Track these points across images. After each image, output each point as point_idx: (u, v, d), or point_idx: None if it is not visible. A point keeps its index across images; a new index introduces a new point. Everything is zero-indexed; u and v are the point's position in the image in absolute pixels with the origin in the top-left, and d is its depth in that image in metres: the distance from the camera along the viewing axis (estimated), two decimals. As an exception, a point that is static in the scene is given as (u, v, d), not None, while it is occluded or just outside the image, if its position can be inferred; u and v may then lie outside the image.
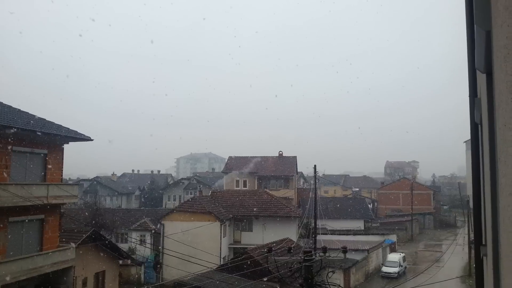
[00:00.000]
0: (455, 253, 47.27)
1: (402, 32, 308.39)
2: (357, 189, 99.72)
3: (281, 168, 60.33)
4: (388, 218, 74.18)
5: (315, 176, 39.70)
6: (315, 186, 39.81)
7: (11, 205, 19.77)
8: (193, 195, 57.74)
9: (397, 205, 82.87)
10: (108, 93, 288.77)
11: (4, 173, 20.70)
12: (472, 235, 38.04)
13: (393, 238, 54.08)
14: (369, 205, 69.75)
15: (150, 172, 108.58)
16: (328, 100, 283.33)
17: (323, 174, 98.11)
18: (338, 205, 62.37)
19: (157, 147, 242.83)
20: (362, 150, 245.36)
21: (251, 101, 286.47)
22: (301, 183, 74.78)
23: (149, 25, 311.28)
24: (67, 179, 69.91)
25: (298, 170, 65.91)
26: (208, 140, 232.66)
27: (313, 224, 37.23)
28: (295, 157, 63.18)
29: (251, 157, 62.22)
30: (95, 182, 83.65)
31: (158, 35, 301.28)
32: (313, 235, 36.06)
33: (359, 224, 58.48)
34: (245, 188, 56.33)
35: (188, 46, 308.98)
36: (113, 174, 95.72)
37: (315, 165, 39.13)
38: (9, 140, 20.74)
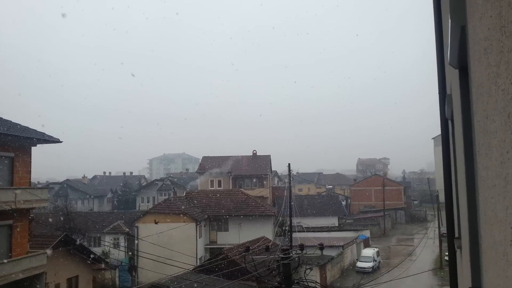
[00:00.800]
0: (426, 247, 48.52)
1: (378, 34, 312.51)
2: (331, 186, 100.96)
3: (255, 167, 60.43)
4: (361, 214, 75.48)
5: (289, 175, 39.86)
6: (290, 184, 40.01)
7: (-24, 211, 19.02)
8: (167, 197, 57.08)
9: (370, 201, 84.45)
10: (76, 91, 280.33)
11: (-32, 178, 19.89)
12: (442, 229, 39.17)
13: (367, 233, 55.11)
14: (343, 202, 70.75)
15: (122, 174, 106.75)
16: (302, 101, 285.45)
17: (297, 173, 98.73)
18: (312, 203, 62.99)
19: (129, 148, 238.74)
20: (335, 148, 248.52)
21: (224, 101, 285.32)
22: (276, 181, 75.07)
23: (121, 17, 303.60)
24: (36, 182, 67.71)
25: (272, 169, 66.21)
26: (181, 140, 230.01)
27: (288, 222, 37.46)
28: (269, 156, 63.40)
29: (225, 157, 62.03)
30: (65, 185, 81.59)
31: (130, 29, 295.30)
32: (289, 233, 36.29)
33: (333, 221, 59.24)
34: (220, 188, 56.12)
35: (163, 42, 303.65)
36: (83, 177, 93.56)
37: (289, 164, 39.31)
38: (-27, 143, 19.94)
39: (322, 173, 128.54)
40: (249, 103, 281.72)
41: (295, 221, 39.89)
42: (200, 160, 66.95)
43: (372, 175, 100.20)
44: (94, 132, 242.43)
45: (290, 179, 40.10)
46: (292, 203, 37.70)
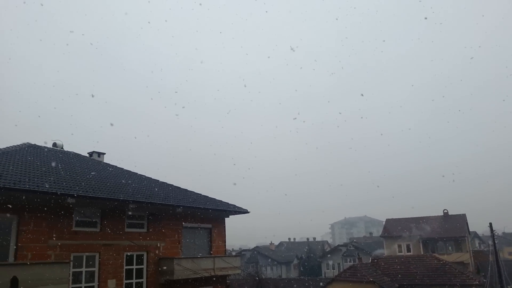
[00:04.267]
0: None
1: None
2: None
3: (448, 229, 54.01)
4: None
5: (492, 236, 34.39)
6: (494, 247, 34.30)
7: (183, 278, 21.41)
8: (352, 263, 55.10)
9: None
10: (256, 165, 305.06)
11: (178, 248, 22.83)
12: None
13: None
14: None
15: (306, 240, 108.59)
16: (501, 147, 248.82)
17: (503, 233, 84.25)
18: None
19: (312, 214, 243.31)
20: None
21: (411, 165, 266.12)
22: (477, 244, 65.38)
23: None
24: (230, 250, 73.85)
25: (470, 230, 58.12)
26: (361, 203, 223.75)
27: (499, 294, 31.50)
28: (464, 215, 56.18)
29: (411, 218, 57.54)
30: (255, 252, 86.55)
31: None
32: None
33: None
34: (409, 253, 51.55)
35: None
36: (271, 243, 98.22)
37: (490, 223, 34.11)
38: (181, 218, 23.08)
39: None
40: (434, 160, 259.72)
41: (509, 292, 33.32)
42: (383, 223, 63.47)
43: None
44: (280, 199, 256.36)
45: (494, 241, 34.41)
46: (501, 270, 31.86)
